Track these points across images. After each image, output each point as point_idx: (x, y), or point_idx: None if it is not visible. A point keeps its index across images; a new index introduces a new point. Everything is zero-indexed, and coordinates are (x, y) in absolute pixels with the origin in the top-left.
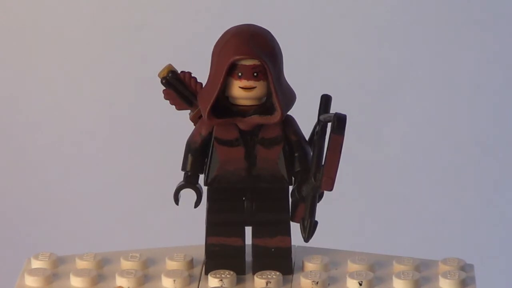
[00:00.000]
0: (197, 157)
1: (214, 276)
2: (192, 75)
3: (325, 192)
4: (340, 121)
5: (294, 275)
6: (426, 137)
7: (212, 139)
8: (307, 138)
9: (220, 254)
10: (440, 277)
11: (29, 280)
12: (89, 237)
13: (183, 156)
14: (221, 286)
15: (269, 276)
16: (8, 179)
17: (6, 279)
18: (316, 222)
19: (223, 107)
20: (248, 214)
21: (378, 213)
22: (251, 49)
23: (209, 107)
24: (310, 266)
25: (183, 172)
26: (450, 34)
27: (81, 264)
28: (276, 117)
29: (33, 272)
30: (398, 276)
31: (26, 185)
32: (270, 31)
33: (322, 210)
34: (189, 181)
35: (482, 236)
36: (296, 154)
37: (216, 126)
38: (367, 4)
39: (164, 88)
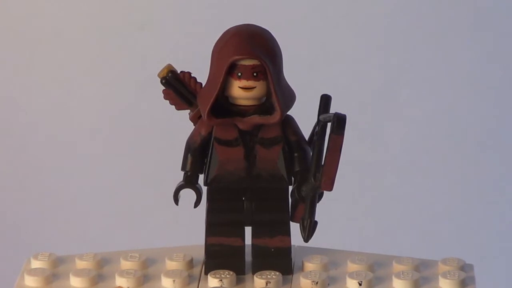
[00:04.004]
0: (196, 157)
1: (213, 276)
2: (192, 75)
3: (325, 192)
4: (340, 121)
5: (294, 275)
6: (426, 137)
7: (212, 139)
8: (307, 138)
9: (219, 254)
10: (439, 277)
11: (29, 280)
12: (89, 237)
13: (182, 156)
14: (221, 286)
15: (268, 276)
16: (8, 179)
17: (6, 279)
18: (316, 222)
19: (223, 107)
20: (248, 214)
21: (378, 213)
22: (251, 49)
23: (208, 107)
24: (309, 266)
25: (183, 172)
26: (450, 34)
27: (80, 264)
28: (276, 117)
29: (33, 272)
30: (398, 276)
31: (26, 185)
32: (270, 31)
33: (322, 210)
34: (189, 181)
35: (482, 236)
36: (295, 154)
37: (216, 126)
38: (367, 4)
39: (164, 88)
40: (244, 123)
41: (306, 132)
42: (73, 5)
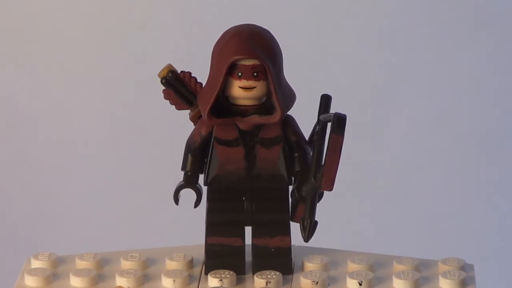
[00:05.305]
0: (197, 157)
1: (214, 276)
2: (192, 75)
3: (325, 192)
4: (340, 121)
5: (294, 275)
6: (426, 137)
7: (212, 139)
8: (307, 138)
9: (220, 254)
10: (440, 277)
11: (29, 280)
12: (89, 237)
13: (183, 156)
14: (221, 286)
15: (269, 276)
16: (8, 179)
17: (6, 279)
18: (316, 222)
19: (223, 107)
20: (248, 214)
21: (378, 213)
22: (251, 49)
23: (209, 107)
24: (310, 266)
25: (183, 172)
26: (450, 34)
27: (81, 264)
28: (276, 117)
29: (33, 272)
30: (398, 276)
31: (26, 185)
32: (270, 31)
33: (322, 210)
34: (189, 181)
35: (482, 236)
36: (296, 154)
37: (216, 126)
38: (367, 4)
39: (164, 88)
40: (244, 123)
41: (306, 132)
42: (73, 5)
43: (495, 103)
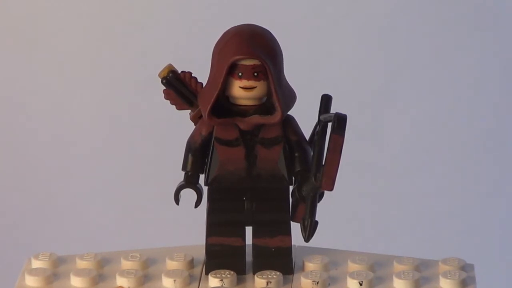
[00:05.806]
0: (197, 157)
1: (214, 276)
2: (193, 75)
3: (325, 192)
4: (340, 121)
5: (295, 275)
6: (426, 137)
7: (213, 139)
8: (307, 138)
9: (220, 254)
10: (440, 277)
11: (30, 280)
12: (89, 237)
13: (183, 156)
14: (222, 286)
15: (269, 276)
16: (8, 179)
17: (6, 279)
18: (317, 222)
19: (224, 107)
20: (248, 214)
21: (378, 213)
22: (252, 49)
23: (209, 107)
24: (310, 266)
25: (183, 172)
26: (450, 34)
27: (81, 264)
28: (276, 117)
29: (34, 272)
30: (398, 276)
31: (26, 185)
32: (270, 31)
33: (322, 210)
34: (190, 181)
35: (482, 236)
36: (296, 154)
37: (216, 126)
38: (368, 4)
39: (165, 88)
40: (245, 123)
41: (307, 132)
42: (73, 5)
43: (495, 103)
